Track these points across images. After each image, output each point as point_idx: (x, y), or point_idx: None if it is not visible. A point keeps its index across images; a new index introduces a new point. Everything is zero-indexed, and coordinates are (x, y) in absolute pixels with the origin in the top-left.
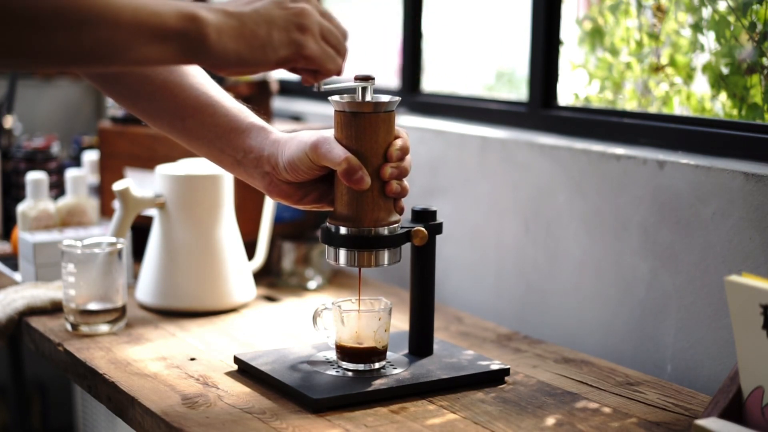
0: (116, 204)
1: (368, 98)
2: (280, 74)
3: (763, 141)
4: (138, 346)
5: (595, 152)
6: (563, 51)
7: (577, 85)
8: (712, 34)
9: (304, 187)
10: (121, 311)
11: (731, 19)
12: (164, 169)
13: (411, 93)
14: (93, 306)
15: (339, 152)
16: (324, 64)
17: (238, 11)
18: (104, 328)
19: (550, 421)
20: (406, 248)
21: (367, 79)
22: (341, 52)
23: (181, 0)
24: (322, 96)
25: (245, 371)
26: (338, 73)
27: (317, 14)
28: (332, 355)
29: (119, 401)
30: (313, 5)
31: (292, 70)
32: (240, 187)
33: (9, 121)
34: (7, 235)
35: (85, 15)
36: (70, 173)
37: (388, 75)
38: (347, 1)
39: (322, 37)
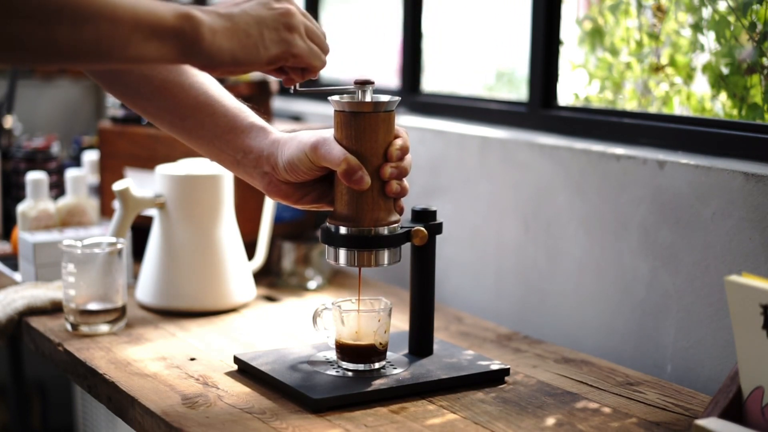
0: (116, 204)
1: (368, 98)
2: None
3: (763, 141)
4: (138, 346)
5: (595, 152)
6: (563, 51)
7: (577, 85)
8: (712, 34)
9: (303, 186)
10: (121, 311)
11: (731, 19)
12: (164, 169)
13: (411, 93)
14: (93, 306)
15: (338, 153)
16: (311, 61)
17: (229, 12)
18: (104, 328)
19: (550, 421)
20: (406, 248)
21: (367, 83)
22: (325, 50)
23: (175, 1)
24: (322, 96)
25: (245, 371)
26: (321, 69)
27: (300, 14)
28: (332, 355)
29: (119, 401)
30: (295, 6)
31: (279, 70)
32: (240, 187)
33: (9, 121)
34: (7, 235)
35: (86, 10)
36: (70, 173)
37: (388, 75)
38: (347, 1)
39: (308, 36)
